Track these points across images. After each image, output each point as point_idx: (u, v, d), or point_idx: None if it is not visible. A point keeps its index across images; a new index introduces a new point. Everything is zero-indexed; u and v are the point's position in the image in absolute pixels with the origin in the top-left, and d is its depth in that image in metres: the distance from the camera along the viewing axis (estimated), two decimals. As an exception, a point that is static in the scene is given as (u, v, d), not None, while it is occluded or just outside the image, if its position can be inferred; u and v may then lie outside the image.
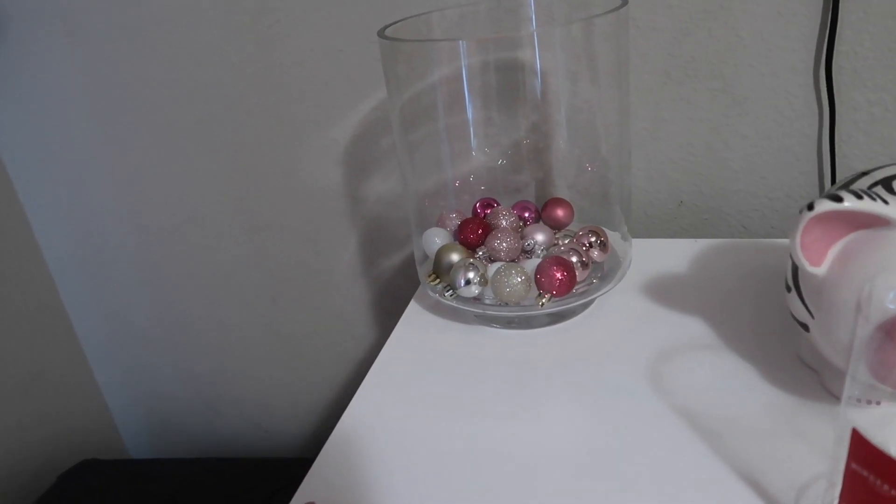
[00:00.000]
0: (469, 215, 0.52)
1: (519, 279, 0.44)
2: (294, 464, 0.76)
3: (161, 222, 0.76)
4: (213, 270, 0.77)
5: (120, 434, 0.92)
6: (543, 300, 0.44)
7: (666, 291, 0.50)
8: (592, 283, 0.48)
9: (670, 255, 0.54)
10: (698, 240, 0.56)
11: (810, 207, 0.33)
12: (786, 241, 0.55)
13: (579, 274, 0.46)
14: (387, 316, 0.75)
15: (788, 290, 0.37)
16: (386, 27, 0.45)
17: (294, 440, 0.87)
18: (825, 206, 0.32)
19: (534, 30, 0.47)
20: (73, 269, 0.82)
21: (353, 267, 0.73)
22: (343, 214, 0.70)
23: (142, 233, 0.77)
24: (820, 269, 0.34)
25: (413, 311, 0.52)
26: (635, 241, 0.55)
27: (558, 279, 0.44)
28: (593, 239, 0.48)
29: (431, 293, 0.49)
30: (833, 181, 0.56)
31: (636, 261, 0.53)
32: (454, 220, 0.51)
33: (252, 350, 0.82)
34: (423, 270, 0.50)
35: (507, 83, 0.47)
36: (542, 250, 0.48)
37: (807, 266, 0.34)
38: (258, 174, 0.70)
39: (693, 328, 0.45)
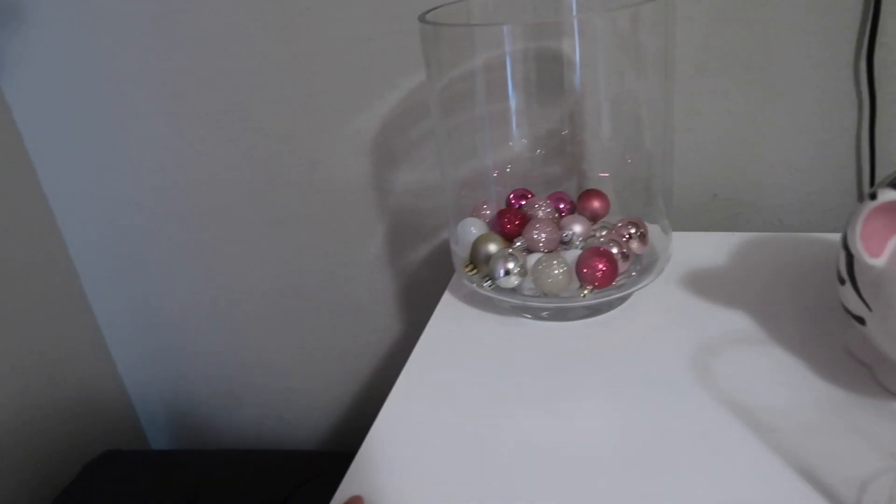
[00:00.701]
0: (502, 206, 0.52)
1: (560, 270, 0.43)
2: (316, 456, 0.75)
3: (184, 213, 0.75)
4: (237, 261, 0.77)
5: (142, 425, 0.92)
6: (585, 291, 0.43)
7: (704, 285, 0.49)
8: (631, 275, 0.47)
9: (705, 248, 0.54)
10: (734, 233, 0.55)
11: (873, 197, 0.32)
12: (824, 235, 0.54)
13: (620, 265, 0.45)
14: (412, 309, 0.74)
15: (842, 282, 0.37)
16: (427, 12, 0.44)
17: (316, 433, 0.86)
18: (889, 195, 0.31)
19: (578, 16, 0.46)
20: (95, 260, 0.82)
21: (378, 259, 0.72)
22: (369, 205, 0.69)
23: (165, 223, 0.77)
24: (880, 261, 0.33)
25: (447, 301, 0.51)
26: (670, 235, 0.54)
27: (601, 270, 0.43)
28: (633, 230, 0.47)
29: (468, 283, 0.48)
30: (872, 175, 0.56)
31: (672, 254, 0.52)
32: (488, 211, 0.51)
33: (274, 341, 0.81)
34: (458, 260, 0.50)
35: (548, 71, 0.46)
36: (580, 241, 0.47)
37: (866, 257, 0.33)
38: (284, 164, 0.70)
39: (735, 322, 0.45)
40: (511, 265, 0.44)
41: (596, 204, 0.51)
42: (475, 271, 0.47)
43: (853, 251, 0.33)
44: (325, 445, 0.86)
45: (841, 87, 0.54)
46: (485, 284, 0.46)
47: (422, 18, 0.44)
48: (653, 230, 0.49)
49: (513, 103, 0.47)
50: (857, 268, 0.35)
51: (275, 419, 0.87)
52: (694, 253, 0.53)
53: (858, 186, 0.57)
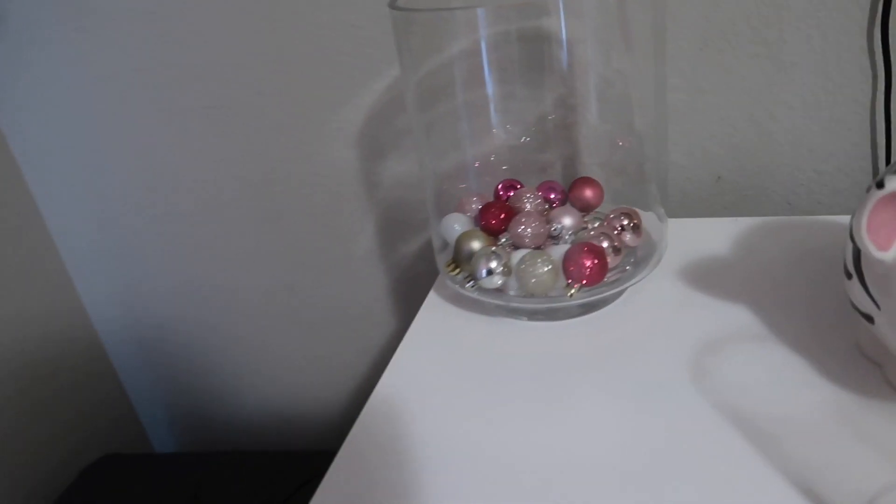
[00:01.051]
0: (490, 198, 0.49)
1: (545, 268, 0.41)
2: (319, 456, 0.74)
3: (176, 211, 0.74)
4: (230, 260, 0.75)
5: (143, 428, 0.92)
6: (572, 291, 0.41)
7: (706, 276, 0.46)
8: (626, 269, 0.44)
9: (709, 235, 0.50)
10: (739, 218, 0.52)
11: (880, 185, 0.29)
12: (836, 217, 0.50)
13: (611, 260, 0.42)
14: (407, 303, 0.72)
15: (849, 276, 0.33)
16: (397, -3, 0.41)
17: (318, 431, 0.85)
18: (896, 183, 0.28)
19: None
20: (89, 261, 0.81)
21: (371, 253, 0.70)
22: (359, 199, 0.67)
23: (157, 222, 0.75)
24: (888, 255, 0.30)
25: (432, 301, 0.49)
26: (670, 222, 0.51)
27: (588, 267, 0.40)
28: (625, 222, 0.44)
29: (451, 284, 0.45)
30: (889, 153, 0.52)
31: (672, 243, 0.49)
32: (475, 205, 0.48)
33: (272, 340, 0.80)
34: (442, 259, 0.47)
35: (532, 54, 0.43)
36: (570, 235, 0.45)
37: (873, 251, 0.30)
38: (272, 159, 0.68)
39: (738, 317, 0.42)
40: (493, 264, 0.41)
41: (588, 193, 0.48)
42: (458, 271, 0.44)
43: (859, 244, 0.30)
44: (327, 445, 0.85)
45: (854, 58, 0.51)
46: (467, 285, 0.43)
47: (392, 5, 0.41)
48: (648, 218, 0.46)
49: (495, 90, 0.44)
50: (864, 262, 0.32)
51: (276, 418, 0.85)
52: (695, 241, 0.50)
53: (873, 164, 0.54)
